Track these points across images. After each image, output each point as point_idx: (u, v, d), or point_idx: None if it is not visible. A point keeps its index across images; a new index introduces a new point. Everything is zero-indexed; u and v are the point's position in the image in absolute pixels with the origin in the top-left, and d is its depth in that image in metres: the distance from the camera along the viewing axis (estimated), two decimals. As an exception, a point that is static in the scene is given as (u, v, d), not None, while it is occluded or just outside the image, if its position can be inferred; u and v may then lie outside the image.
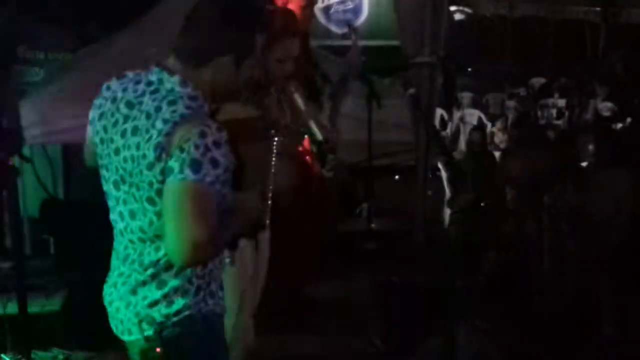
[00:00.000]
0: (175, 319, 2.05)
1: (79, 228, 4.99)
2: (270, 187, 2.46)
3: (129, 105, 2.03)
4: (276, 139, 2.45)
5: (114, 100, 2.07)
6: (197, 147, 1.91)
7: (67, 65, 6.10)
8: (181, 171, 1.91)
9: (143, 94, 2.03)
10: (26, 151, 5.00)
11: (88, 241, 4.46)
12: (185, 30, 2.06)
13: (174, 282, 2.05)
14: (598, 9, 9.98)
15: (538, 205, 4.89)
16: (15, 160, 4.31)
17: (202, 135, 1.92)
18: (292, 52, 3.04)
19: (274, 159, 2.45)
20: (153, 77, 2.05)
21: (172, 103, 1.98)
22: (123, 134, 2.02)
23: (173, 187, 1.93)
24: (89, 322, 3.96)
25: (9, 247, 5.08)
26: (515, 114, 6.79)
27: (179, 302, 2.05)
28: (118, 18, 6.11)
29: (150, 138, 1.95)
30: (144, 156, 1.96)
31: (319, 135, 3.00)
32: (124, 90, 2.06)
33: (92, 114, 2.16)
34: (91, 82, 5.89)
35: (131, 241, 2.08)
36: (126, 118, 2.02)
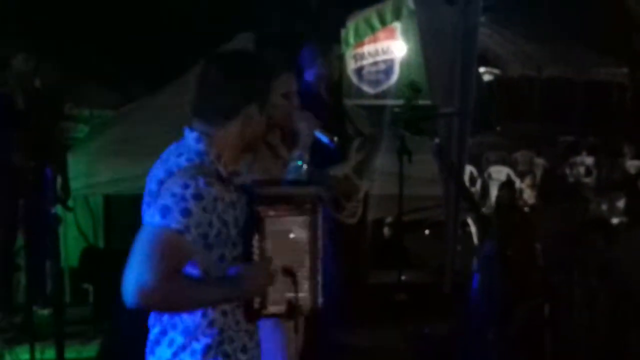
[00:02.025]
0: None
1: (118, 277, 5.12)
2: (317, 269, 2.20)
3: (160, 160, 2.10)
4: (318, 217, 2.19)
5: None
6: (173, 195, 1.92)
7: (109, 121, 6.36)
8: (152, 215, 1.93)
9: (170, 152, 2.10)
10: (69, 202, 5.21)
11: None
12: (200, 94, 2.09)
13: (180, 340, 2.03)
14: (625, 70, 10.13)
15: (568, 260, 4.92)
16: (58, 210, 4.49)
17: (185, 186, 1.93)
18: (292, 85, 3.03)
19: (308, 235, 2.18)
20: (184, 135, 2.11)
21: (179, 155, 2.03)
22: None
23: (141, 229, 1.95)
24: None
25: (50, 294, 5.23)
26: (544, 170, 6.88)
27: None
28: (159, 77, 6.38)
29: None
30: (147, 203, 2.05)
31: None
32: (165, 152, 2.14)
33: None
34: (132, 138, 6.19)
35: None
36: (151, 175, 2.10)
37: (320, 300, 2.18)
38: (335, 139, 3.20)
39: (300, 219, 2.12)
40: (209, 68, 2.11)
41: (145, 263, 1.87)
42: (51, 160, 5.13)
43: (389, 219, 6.46)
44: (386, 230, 6.67)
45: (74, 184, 5.29)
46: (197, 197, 1.92)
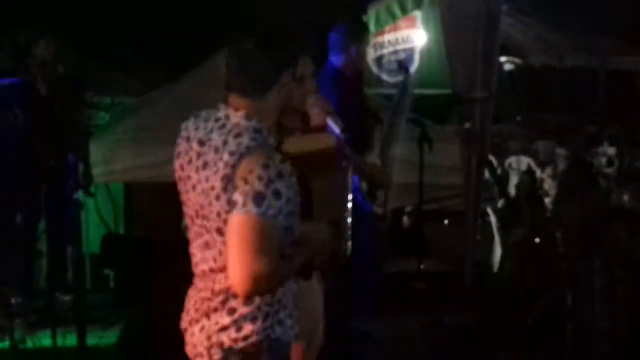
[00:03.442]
0: (242, 344, 2.10)
1: (138, 263, 5.17)
2: (349, 219, 2.36)
3: (201, 143, 2.11)
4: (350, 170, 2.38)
5: (188, 139, 2.16)
6: (260, 179, 1.97)
7: (130, 109, 6.39)
8: (245, 204, 1.97)
9: (212, 131, 2.10)
10: (91, 189, 5.24)
11: (146, 276, 4.63)
12: (236, 68, 2.14)
13: (243, 310, 2.10)
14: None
15: (589, 250, 4.89)
16: (80, 196, 4.52)
17: (266, 167, 1.98)
18: (307, 69, 3.10)
19: (349, 189, 2.34)
20: (220, 114, 2.14)
21: (238, 136, 2.05)
22: (197, 171, 2.10)
23: (236, 221, 1.99)
24: (144, 355, 4.10)
25: (71, 281, 5.28)
26: (566, 160, 6.82)
27: (247, 328, 2.10)
28: (180, 64, 6.39)
29: (217, 171, 2.03)
30: (213, 188, 2.05)
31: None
32: (196, 129, 2.14)
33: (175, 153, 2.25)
34: (152, 125, 6.22)
35: (204, 271, 2.16)
36: (199, 155, 2.10)
37: (349, 248, 2.33)
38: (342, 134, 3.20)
39: (336, 172, 2.23)
40: (242, 42, 2.14)
41: (255, 253, 1.96)
42: (73, 147, 5.18)
43: (408, 209, 6.44)
44: (405, 220, 6.66)
45: (95, 171, 5.32)
46: (280, 176, 1.99)
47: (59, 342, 4.15)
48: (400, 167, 4.91)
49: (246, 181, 1.99)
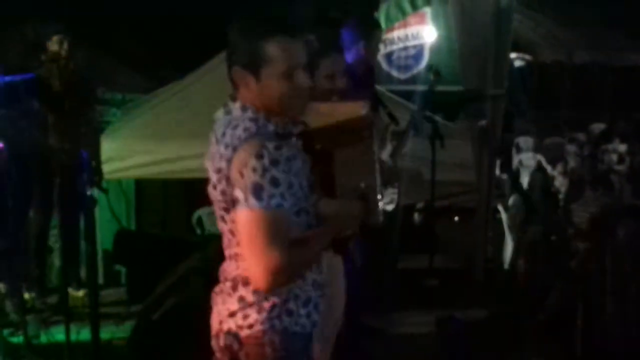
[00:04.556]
0: (248, 332, 2.10)
1: (150, 259, 5.18)
2: (378, 186, 2.33)
3: (217, 140, 2.12)
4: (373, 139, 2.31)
5: (214, 138, 2.17)
6: (254, 170, 1.96)
7: (141, 105, 6.40)
8: (246, 199, 1.97)
9: (222, 126, 2.12)
10: (103, 184, 5.26)
11: (158, 272, 4.64)
12: (234, 44, 2.10)
13: (250, 297, 2.11)
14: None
15: (601, 247, 4.89)
16: (93, 191, 4.54)
17: (259, 156, 1.96)
18: (339, 67, 3.03)
19: (375, 158, 2.30)
20: (227, 109, 2.15)
21: (234, 128, 2.06)
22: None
23: (242, 217, 2.00)
24: (156, 349, 4.12)
25: (84, 276, 5.30)
26: (577, 157, 6.82)
27: (252, 317, 2.11)
28: (191, 61, 6.40)
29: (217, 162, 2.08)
30: (217, 180, 2.08)
31: None
32: (218, 127, 2.15)
33: None
34: (163, 121, 6.21)
35: (223, 258, 2.20)
36: (214, 153, 2.12)
37: (381, 215, 2.33)
38: None
39: (361, 145, 2.22)
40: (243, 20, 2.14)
41: (266, 247, 1.96)
42: (85, 142, 5.20)
43: (419, 205, 6.45)
44: (416, 216, 6.66)
45: (106, 167, 5.35)
46: (275, 162, 1.97)
47: (73, 337, 4.16)
48: (411, 164, 4.92)
49: (242, 174, 1.98)
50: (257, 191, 1.96)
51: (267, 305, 2.11)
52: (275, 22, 2.08)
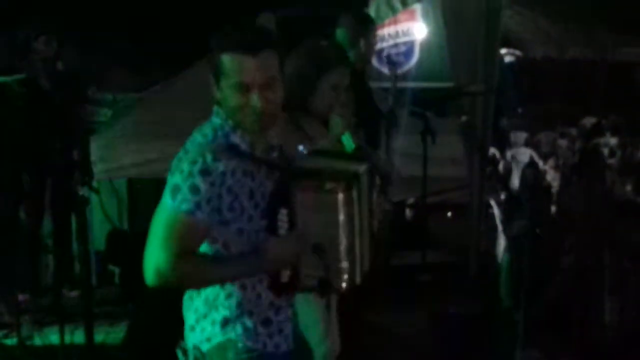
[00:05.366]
0: (206, 345, 2.11)
1: (142, 259, 5.16)
2: (354, 247, 2.13)
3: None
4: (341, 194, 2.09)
5: None
6: (181, 172, 1.99)
7: (132, 105, 6.39)
8: (165, 194, 2.02)
9: (198, 128, 2.16)
10: (94, 184, 5.25)
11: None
12: None
13: (202, 309, 2.13)
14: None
15: (597, 243, 4.89)
16: (85, 191, 4.53)
17: (193, 162, 1.99)
18: (345, 80, 3.03)
19: (342, 214, 2.09)
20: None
21: (199, 131, 2.11)
22: None
23: (157, 207, 2.05)
24: (151, 349, 4.11)
25: (78, 276, 5.28)
26: (568, 151, 6.85)
27: (208, 329, 2.11)
28: (182, 60, 6.39)
29: None
30: None
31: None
32: None
33: None
34: (155, 121, 6.21)
35: None
36: None
37: (358, 279, 2.15)
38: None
39: (332, 197, 2.06)
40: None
41: (160, 245, 1.97)
42: (76, 142, 5.19)
43: (410, 200, 6.46)
44: (408, 212, 6.67)
45: (98, 167, 5.34)
46: (204, 172, 1.98)
47: (67, 338, 4.15)
48: (402, 160, 4.93)
49: (172, 173, 2.03)
50: (173, 192, 1.99)
51: (218, 317, 2.11)
52: (233, 37, 2.10)
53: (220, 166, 1.99)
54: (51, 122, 5.04)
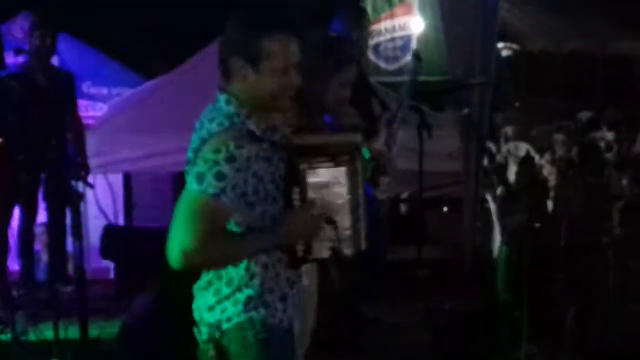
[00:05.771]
0: (226, 325, 2.14)
1: (137, 254, 5.16)
2: (359, 217, 2.24)
3: (195, 129, 2.15)
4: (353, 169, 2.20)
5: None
6: (205, 161, 2.02)
7: (128, 99, 6.38)
8: (190, 182, 2.04)
9: (204, 117, 2.15)
10: (89, 179, 5.24)
11: (146, 267, 4.62)
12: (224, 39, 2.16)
13: (225, 290, 2.14)
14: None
15: (598, 238, 4.89)
16: (79, 186, 4.52)
17: (216, 151, 2.02)
18: (352, 77, 3.10)
19: (347, 185, 2.18)
20: (215, 99, 2.18)
21: (210, 120, 2.10)
22: None
23: (180, 196, 2.06)
24: (144, 344, 4.11)
25: (72, 272, 5.28)
26: (565, 146, 6.83)
27: (230, 310, 2.14)
28: (178, 54, 6.38)
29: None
30: (187, 169, 2.11)
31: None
32: (201, 116, 2.18)
33: None
34: (150, 115, 6.19)
35: None
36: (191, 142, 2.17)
37: (363, 245, 2.26)
38: None
39: (339, 169, 2.16)
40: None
41: (186, 227, 2.00)
42: (71, 137, 5.18)
43: (405, 195, 6.45)
44: (403, 207, 6.67)
45: (93, 162, 5.33)
46: (230, 159, 2.01)
47: (61, 333, 4.13)
48: (399, 154, 4.90)
49: (195, 164, 2.05)
50: (199, 178, 2.02)
51: (242, 297, 2.14)
52: (278, 18, 2.11)
53: (244, 152, 2.03)
54: (46, 117, 5.02)
